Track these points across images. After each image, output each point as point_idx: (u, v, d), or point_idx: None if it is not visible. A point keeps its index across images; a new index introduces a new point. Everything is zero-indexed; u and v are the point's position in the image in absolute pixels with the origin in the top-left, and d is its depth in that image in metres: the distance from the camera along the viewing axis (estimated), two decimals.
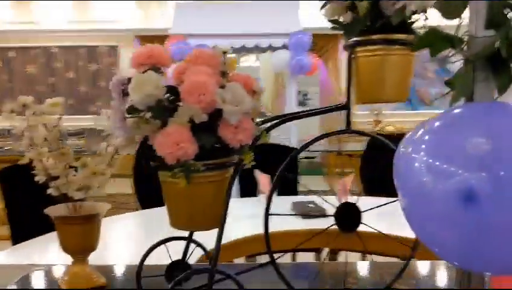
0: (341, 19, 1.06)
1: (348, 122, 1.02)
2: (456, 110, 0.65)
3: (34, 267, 1.37)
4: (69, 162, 1.13)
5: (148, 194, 2.85)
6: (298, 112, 1.01)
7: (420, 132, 0.68)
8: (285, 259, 1.14)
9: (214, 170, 0.83)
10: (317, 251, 2.33)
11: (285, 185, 2.44)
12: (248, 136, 0.82)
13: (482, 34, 0.52)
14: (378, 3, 0.94)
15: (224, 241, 0.88)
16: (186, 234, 1.04)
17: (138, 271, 1.00)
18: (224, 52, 0.89)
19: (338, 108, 1.02)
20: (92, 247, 1.19)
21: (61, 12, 8.24)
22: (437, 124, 0.67)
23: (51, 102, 1.07)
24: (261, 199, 2.43)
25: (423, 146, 0.65)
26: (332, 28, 1.08)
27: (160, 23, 9.51)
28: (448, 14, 0.59)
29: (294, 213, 1.05)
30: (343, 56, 9.76)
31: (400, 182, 0.68)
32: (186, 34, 4.04)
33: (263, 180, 2.36)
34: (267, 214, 0.96)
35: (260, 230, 0.98)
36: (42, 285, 1.26)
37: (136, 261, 1.05)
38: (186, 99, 0.78)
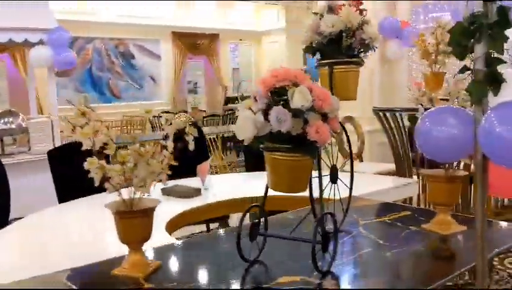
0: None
1: None
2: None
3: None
4: (143, 161, 1.26)
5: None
6: None
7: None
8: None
9: None
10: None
11: None
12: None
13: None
14: (354, 40, 1.52)
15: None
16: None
17: (238, 232, 1.29)
18: (302, 69, 1.30)
19: None
20: (148, 237, 1.33)
21: None
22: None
23: None
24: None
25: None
26: (305, 52, 1.60)
27: None
28: (458, 56, 1.24)
29: None
30: None
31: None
32: None
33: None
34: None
35: None
36: (102, 276, 1.31)
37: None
38: (319, 104, 1.19)
